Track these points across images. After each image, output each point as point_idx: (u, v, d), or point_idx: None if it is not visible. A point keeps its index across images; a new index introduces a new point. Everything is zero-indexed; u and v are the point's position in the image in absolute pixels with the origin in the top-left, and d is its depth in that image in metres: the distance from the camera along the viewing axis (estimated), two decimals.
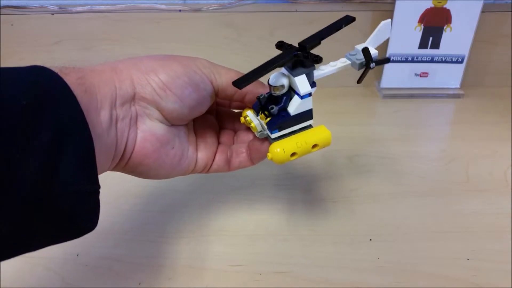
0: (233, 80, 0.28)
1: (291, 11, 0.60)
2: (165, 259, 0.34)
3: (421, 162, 0.47)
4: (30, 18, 0.60)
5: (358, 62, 0.30)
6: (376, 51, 0.31)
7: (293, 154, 0.29)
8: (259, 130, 0.30)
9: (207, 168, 0.32)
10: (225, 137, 0.34)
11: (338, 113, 0.58)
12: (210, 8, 0.60)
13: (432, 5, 0.57)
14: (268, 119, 0.29)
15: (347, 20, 0.30)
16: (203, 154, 0.32)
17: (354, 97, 0.63)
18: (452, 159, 0.48)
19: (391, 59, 0.61)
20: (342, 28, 0.30)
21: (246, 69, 0.68)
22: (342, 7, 0.60)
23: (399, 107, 0.60)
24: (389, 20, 0.31)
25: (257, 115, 0.29)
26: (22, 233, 0.20)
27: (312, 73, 0.30)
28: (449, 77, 0.62)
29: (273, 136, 0.29)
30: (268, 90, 0.29)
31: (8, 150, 0.19)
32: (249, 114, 0.30)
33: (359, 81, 0.32)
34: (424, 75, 0.62)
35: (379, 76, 0.63)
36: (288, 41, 0.64)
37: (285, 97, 0.29)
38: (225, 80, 0.30)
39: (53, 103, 0.21)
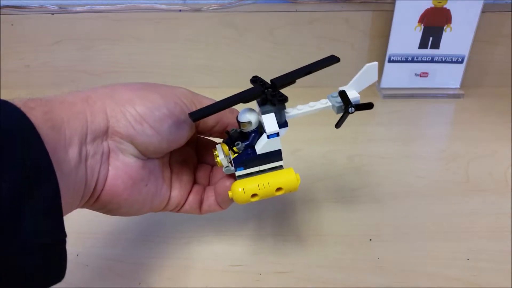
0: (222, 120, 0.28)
1: (291, 11, 0.60)
2: (165, 259, 0.34)
3: (421, 162, 0.47)
4: (30, 18, 0.60)
5: (337, 105, 0.29)
6: (358, 95, 0.29)
7: (253, 195, 0.27)
8: (225, 166, 0.28)
9: (178, 208, 0.31)
10: (202, 173, 0.33)
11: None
12: (210, 8, 0.60)
13: (432, 5, 0.57)
14: (235, 155, 0.28)
15: (331, 60, 0.28)
16: (176, 193, 0.30)
17: None
18: (452, 159, 0.48)
19: (391, 59, 0.61)
20: (321, 69, 0.29)
21: (246, 69, 0.68)
22: (342, 7, 0.60)
23: (399, 107, 0.60)
24: (376, 63, 0.29)
25: (230, 147, 0.28)
26: None
27: (284, 113, 0.28)
28: (449, 77, 0.62)
29: (237, 173, 0.28)
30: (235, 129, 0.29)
31: None
32: (218, 148, 0.29)
33: (337, 126, 0.30)
34: (424, 75, 0.62)
35: (379, 76, 0.63)
36: (288, 41, 0.65)
37: (253, 134, 0.28)
38: (213, 120, 0.29)
39: (15, 146, 0.18)
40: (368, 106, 0.29)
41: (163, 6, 0.60)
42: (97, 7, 0.60)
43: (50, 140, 0.20)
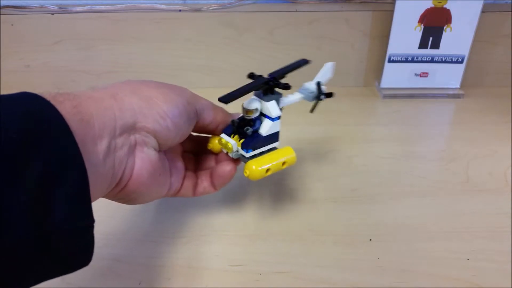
0: (212, 112, 0.32)
1: (291, 11, 0.60)
2: (165, 259, 0.34)
3: (421, 162, 0.47)
4: (30, 18, 0.60)
5: (311, 95, 0.36)
6: (324, 87, 0.37)
7: (267, 170, 0.32)
8: (234, 150, 0.32)
9: (175, 192, 0.33)
10: (186, 160, 0.35)
11: (338, 113, 0.58)
12: (210, 8, 0.60)
13: (432, 5, 0.57)
14: (242, 140, 0.32)
15: (304, 62, 0.36)
16: (174, 179, 0.32)
17: (354, 97, 0.63)
18: (452, 159, 0.48)
19: (391, 59, 0.61)
20: (298, 68, 0.36)
21: (246, 69, 0.68)
22: (342, 7, 0.60)
23: (399, 107, 0.60)
24: (333, 62, 0.38)
25: (229, 137, 0.33)
26: (10, 275, 0.19)
27: (279, 100, 0.33)
28: (449, 77, 0.62)
29: (247, 155, 0.32)
30: (236, 118, 0.33)
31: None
32: (224, 137, 0.33)
33: (311, 111, 0.38)
34: (424, 75, 0.62)
35: (379, 76, 0.63)
36: (288, 41, 0.65)
37: (258, 120, 0.33)
38: (208, 112, 0.33)
39: (46, 136, 0.20)
40: (330, 95, 0.37)
41: (163, 6, 0.60)
42: (97, 7, 0.60)
43: (79, 132, 0.22)
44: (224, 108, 0.33)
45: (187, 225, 0.38)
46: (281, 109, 0.33)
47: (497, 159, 0.47)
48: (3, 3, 0.60)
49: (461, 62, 0.61)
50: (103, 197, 0.26)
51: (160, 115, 0.27)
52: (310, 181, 0.44)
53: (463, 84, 0.63)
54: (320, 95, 0.36)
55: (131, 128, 0.26)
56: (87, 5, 0.60)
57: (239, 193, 0.42)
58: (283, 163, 0.33)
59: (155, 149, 0.28)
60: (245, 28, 0.60)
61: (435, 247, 0.36)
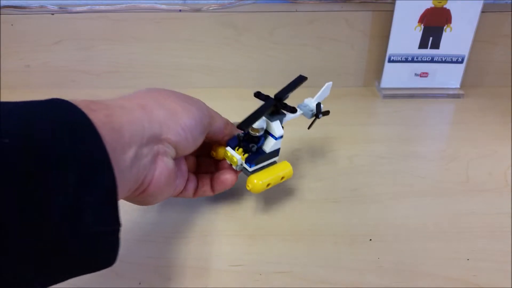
0: (223, 125, 0.35)
1: (291, 11, 0.60)
2: (165, 259, 0.34)
3: (421, 162, 0.47)
4: (30, 18, 0.60)
5: (310, 112, 0.39)
6: (322, 105, 0.40)
7: (268, 185, 0.35)
8: (239, 164, 0.35)
9: (178, 194, 0.35)
10: (188, 163, 0.37)
11: (338, 113, 0.58)
12: (210, 8, 0.60)
13: (432, 5, 0.57)
14: (246, 155, 0.35)
15: (302, 79, 0.39)
16: (179, 181, 0.34)
17: (354, 97, 0.63)
18: (452, 159, 0.48)
19: (391, 59, 0.61)
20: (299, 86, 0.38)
21: (246, 69, 0.68)
22: (342, 7, 0.60)
23: (399, 107, 0.60)
24: (331, 82, 0.40)
25: (233, 149, 0.35)
26: (43, 274, 0.20)
27: (283, 120, 0.36)
28: (449, 77, 0.62)
29: (251, 169, 0.35)
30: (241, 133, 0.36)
31: (34, 191, 0.19)
32: (230, 150, 0.35)
33: (309, 128, 0.40)
34: (424, 75, 0.62)
35: (379, 76, 0.63)
36: (288, 41, 0.65)
37: (262, 138, 0.35)
38: (218, 125, 0.35)
39: (79, 144, 0.21)
40: (327, 113, 0.40)
41: (163, 6, 0.60)
42: (97, 7, 0.60)
43: (110, 140, 0.23)
44: (231, 122, 0.37)
45: (187, 225, 0.38)
46: (282, 127, 0.36)
47: (497, 159, 0.47)
48: (3, 3, 0.60)
49: (461, 62, 0.61)
50: (124, 199, 0.28)
51: (182, 127, 0.29)
52: (310, 181, 0.44)
53: (463, 84, 0.63)
54: (319, 114, 0.39)
55: (156, 139, 0.28)
56: (87, 5, 0.60)
57: (239, 193, 0.42)
58: (282, 178, 0.37)
59: (172, 158, 0.30)
60: (245, 28, 0.60)
61: (435, 247, 0.36)
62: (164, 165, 0.28)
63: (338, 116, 0.57)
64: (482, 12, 0.57)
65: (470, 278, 0.33)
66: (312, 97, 0.40)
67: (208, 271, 0.33)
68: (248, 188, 0.35)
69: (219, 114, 0.36)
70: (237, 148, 0.35)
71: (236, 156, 0.34)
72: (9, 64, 0.63)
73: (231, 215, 0.39)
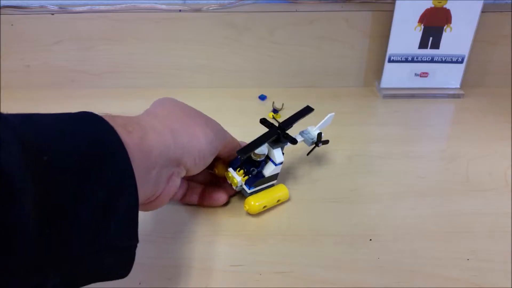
0: (234, 149, 0.37)
1: (291, 11, 0.60)
2: (165, 259, 0.34)
3: (421, 162, 0.47)
4: (30, 18, 0.60)
5: (310, 140, 0.42)
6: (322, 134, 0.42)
7: (264, 207, 0.38)
8: (239, 185, 0.38)
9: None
10: None
11: (338, 113, 0.58)
12: (210, 8, 0.60)
13: (432, 5, 0.57)
14: (246, 177, 0.37)
15: (309, 110, 0.42)
16: (178, 192, 0.37)
17: (354, 97, 0.63)
18: (452, 159, 0.48)
19: (391, 59, 0.61)
20: (305, 116, 0.41)
21: (246, 69, 0.68)
22: (342, 7, 0.60)
23: (399, 107, 0.60)
24: (333, 113, 0.43)
25: (234, 170, 0.38)
26: (65, 282, 0.22)
27: (284, 147, 0.39)
28: (449, 77, 0.62)
29: (249, 191, 0.38)
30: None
31: (66, 204, 0.20)
32: (231, 172, 0.38)
33: (308, 154, 0.44)
34: (424, 75, 0.62)
35: (379, 76, 0.63)
36: (288, 41, 0.65)
37: (263, 162, 0.38)
38: (229, 149, 0.37)
39: (111, 164, 0.23)
40: (327, 142, 0.43)
41: (163, 6, 0.60)
42: (97, 7, 0.60)
43: (138, 160, 0.25)
44: (237, 141, 0.39)
45: (188, 225, 0.38)
46: (283, 153, 0.39)
47: (497, 159, 0.47)
48: (3, 3, 0.60)
49: (461, 62, 0.61)
50: None
51: (199, 155, 0.32)
52: (310, 181, 0.44)
53: (463, 84, 0.63)
54: (319, 143, 0.42)
55: (176, 162, 0.30)
56: (87, 5, 0.60)
57: (239, 193, 0.42)
58: (278, 200, 0.39)
59: (181, 177, 0.32)
60: (245, 28, 0.60)
61: (435, 247, 0.36)
62: (174, 184, 0.31)
63: (338, 116, 0.57)
64: (482, 12, 0.57)
65: (470, 278, 0.33)
66: (315, 125, 0.43)
67: (208, 271, 0.33)
68: (245, 209, 0.38)
69: (232, 137, 0.38)
70: (238, 169, 0.37)
71: (236, 178, 0.37)
72: (9, 64, 0.63)
73: (231, 215, 0.39)
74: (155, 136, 0.28)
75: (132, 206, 0.24)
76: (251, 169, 0.37)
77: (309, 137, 0.42)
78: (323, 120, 0.42)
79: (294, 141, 0.38)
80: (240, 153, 0.35)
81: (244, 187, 0.38)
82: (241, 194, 0.41)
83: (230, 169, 0.38)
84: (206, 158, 0.33)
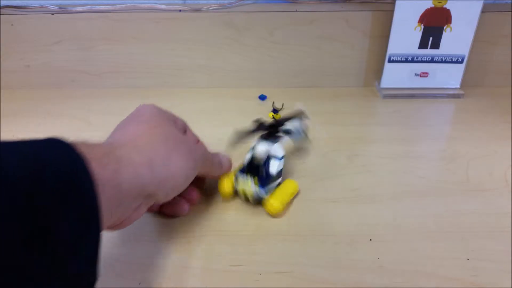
0: (219, 175, 0.39)
1: (291, 11, 0.60)
2: (165, 259, 0.34)
3: (421, 162, 0.47)
4: (30, 18, 0.60)
5: (298, 133, 0.42)
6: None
7: (285, 204, 0.39)
8: (255, 195, 0.38)
9: None
10: None
11: (338, 113, 0.58)
12: (210, 8, 0.60)
13: (432, 5, 0.57)
14: (255, 178, 0.37)
15: (300, 112, 0.43)
16: None
17: (354, 97, 0.63)
18: (452, 159, 0.48)
19: (391, 59, 0.61)
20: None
21: (246, 69, 0.68)
22: (342, 7, 0.60)
23: (399, 107, 0.60)
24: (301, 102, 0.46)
25: (244, 175, 0.38)
26: None
27: (282, 141, 0.40)
28: (449, 77, 0.62)
29: (266, 196, 0.38)
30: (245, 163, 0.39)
31: (30, 237, 0.19)
32: (241, 181, 0.38)
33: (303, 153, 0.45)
34: (424, 75, 0.62)
35: (379, 76, 0.63)
36: (288, 41, 0.65)
37: (266, 164, 0.38)
38: (209, 168, 0.37)
39: (77, 200, 0.22)
40: (304, 117, 0.43)
41: (163, 6, 0.60)
42: (97, 7, 0.60)
43: (109, 195, 0.24)
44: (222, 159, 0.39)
45: (187, 225, 0.38)
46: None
47: (497, 159, 0.47)
48: (3, 3, 0.60)
49: (461, 62, 0.61)
50: None
51: (174, 188, 0.31)
52: (310, 181, 0.44)
53: (463, 84, 0.63)
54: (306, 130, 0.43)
55: (148, 196, 0.29)
56: (87, 5, 0.60)
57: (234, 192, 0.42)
58: (292, 193, 0.40)
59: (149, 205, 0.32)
60: (245, 28, 0.60)
61: (435, 247, 0.36)
62: (140, 212, 0.30)
63: (338, 116, 0.58)
64: (482, 12, 0.57)
65: (470, 278, 0.33)
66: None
67: (208, 271, 0.33)
68: (271, 214, 0.38)
69: (212, 155, 0.37)
70: (249, 175, 0.38)
71: (253, 187, 0.37)
72: (9, 64, 0.63)
73: (231, 215, 0.39)
74: (131, 170, 0.27)
75: (94, 244, 0.23)
76: (259, 170, 0.37)
77: (296, 130, 0.42)
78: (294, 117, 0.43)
79: (288, 131, 0.39)
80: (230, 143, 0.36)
81: (260, 191, 0.37)
82: (237, 194, 0.40)
83: (240, 180, 0.38)
84: (180, 190, 0.33)
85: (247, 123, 0.42)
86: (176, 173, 0.31)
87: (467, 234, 0.37)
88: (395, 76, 0.62)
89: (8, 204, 0.19)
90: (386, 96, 0.62)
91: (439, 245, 0.36)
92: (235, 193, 0.40)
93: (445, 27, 0.59)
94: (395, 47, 0.60)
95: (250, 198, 0.38)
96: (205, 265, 0.34)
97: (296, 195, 0.41)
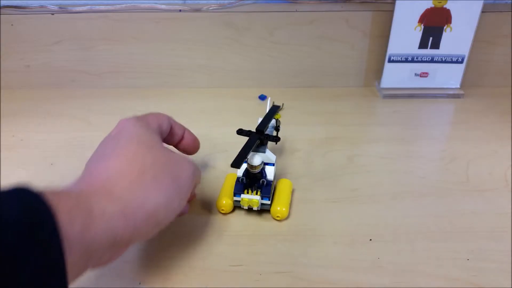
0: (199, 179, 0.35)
1: (291, 11, 0.60)
2: (165, 259, 0.34)
3: (421, 162, 0.47)
4: (30, 18, 0.60)
5: (272, 129, 0.43)
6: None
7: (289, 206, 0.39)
8: (260, 204, 0.37)
9: None
10: None
11: (338, 113, 0.58)
12: (210, 8, 0.60)
13: (432, 5, 0.57)
14: (258, 192, 0.37)
15: (276, 108, 0.44)
16: None
17: (354, 97, 0.63)
18: (452, 159, 0.48)
19: (391, 59, 0.61)
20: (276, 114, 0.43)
21: (246, 69, 0.68)
22: (342, 7, 0.60)
23: (399, 107, 0.60)
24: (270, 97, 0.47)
25: (242, 193, 0.37)
26: None
27: (266, 147, 0.40)
28: (449, 77, 0.62)
29: (269, 202, 0.38)
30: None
31: None
32: (245, 197, 0.37)
33: (277, 143, 0.41)
34: (424, 75, 0.62)
35: (379, 76, 0.63)
36: (288, 41, 0.65)
37: (263, 171, 0.38)
38: (195, 184, 0.35)
39: (40, 256, 0.20)
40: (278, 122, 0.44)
41: (163, 6, 0.60)
42: (97, 7, 0.60)
43: (78, 250, 0.23)
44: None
45: (187, 225, 0.38)
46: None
47: (497, 159, 0.47)
48: (3, 3, 0.60)
49: (461, 62, 0.61)
50: None
51: (155, 226, 0.29)
52: (310, 181, 0.44)
53: (463, 84, 0.63)
54: (278, 127, 0.44)
55: (122, 245, 0.27)
56: (87, 5, 0.60)
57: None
58: (290, 192, 0.40)
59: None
60: (245, 28, 0.60)
61: (435, 247, 0.36)
62: (116, 256, 0.28)
63: (338, 116, 0.58)
64: (482, 12, 0.57)
65: (470, 278, 0.33)
66: (261, 116, 0.42)
67: (208, 271, 0.33)
68: (278, 219, 0.38)
69: (198, 169, 0.35)
70: (246, 191, 0.38)
71: (255, 197, 0.37)
72: (9, 64, 0.63)
73: (231, 215, 0.39)
74: (102, 223, 0.25)
75: None
76: (260, 181, 0.38)
77: (270, 131, 0.43)
78: (267, 109, 0.43)
79: (277, 139, 0.39)
80: (235, 164, 0.34)
81: (264, 201, 0.38)
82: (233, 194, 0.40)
83: (243, 196, 0.37)
84: (165, 223, 0.30)
85: (247, 123, 0.42)
86: (156, 212, 0.28)
87: (467, 234, 0.37)
88: (395, 76, 0.62)
89: None
90: (386, 96, 0.62)
91: (439, 245, 0.36)
92: (235, 207, 0.40)
93: (445, 27, 0.59)
94: (395, 47, 0.60)
95: (255, 208, 0.38)
96: (205, 265, 0.34)
97: (292, 192, 0.41)
